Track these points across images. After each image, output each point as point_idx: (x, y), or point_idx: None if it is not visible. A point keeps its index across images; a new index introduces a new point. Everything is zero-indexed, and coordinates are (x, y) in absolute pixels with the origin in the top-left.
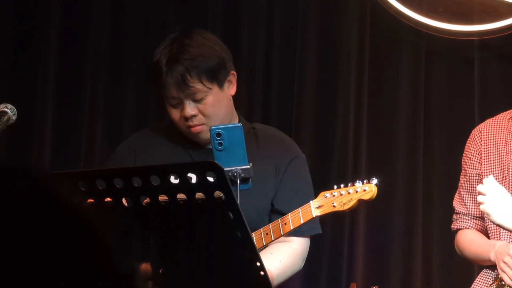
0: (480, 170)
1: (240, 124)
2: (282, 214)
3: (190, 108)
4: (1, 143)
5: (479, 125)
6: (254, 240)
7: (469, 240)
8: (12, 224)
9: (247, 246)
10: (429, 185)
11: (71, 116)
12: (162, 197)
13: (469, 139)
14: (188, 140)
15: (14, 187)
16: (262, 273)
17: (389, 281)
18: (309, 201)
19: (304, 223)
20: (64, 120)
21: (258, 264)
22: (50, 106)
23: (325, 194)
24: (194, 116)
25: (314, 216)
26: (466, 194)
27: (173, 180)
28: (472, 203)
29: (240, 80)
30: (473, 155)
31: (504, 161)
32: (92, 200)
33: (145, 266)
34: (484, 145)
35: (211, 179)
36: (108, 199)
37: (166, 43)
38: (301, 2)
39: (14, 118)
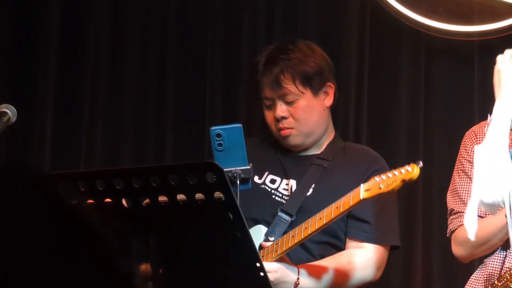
0: None
1: (240, 125)
2: (356, 219)
3: (281, 109)
4: (1, 143)
5: (473, 127)
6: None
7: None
8: (12, 225)
9: (247, 246)
10: (429, 184)
11: (71, 117)
12: (162, 198)
13: (464, 140)
14: (280, 147)
15: (14, 187)
16: (261, 274)
17: (388, 282)
18: (388, 212)
19: (354, 205)
20: (64, 121)
21: (258, 264)
22: (50, 107)
23: (376, 178)
24: (284, 118)
25: (361, 198)
26: (467, 195)
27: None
28: None
29: (240, 81)
30: (472, 157)
31: None
32: (92, 201)
33: (145, 267)
34: None
35: (210, 179)
36: (108, 199)
37: (269, 47)
38: (301, 3)
39: (14, 119)
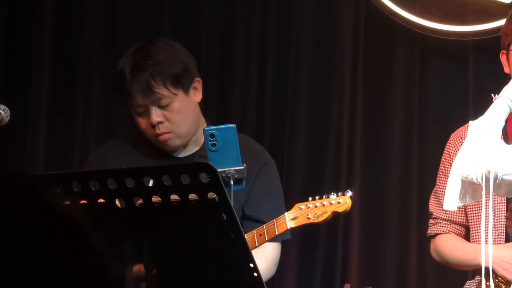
0: None
1: (234, 125)
2: (252, 219)
3: (156, 115)
4: None
5: (458, 130)
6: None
7: (451, 244)
8: (3, 226)
9: (241, 247)
10: (424, 184)
11: (65, 117)
12: (156, 198)
13: (449, 143)
14: (158, 148)
15: (5, 189)
16: (255, 274)
17: (383, 282)
18: (279, 206)
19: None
20: (58, 121)
21: (251, 265)
22: (44, 107)
23: (300, 205)
24: (160, 123)
25: (288, 227)
26: None
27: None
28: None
29: (234, 80)
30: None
31: None
32: (86, 201)
33: (138, 267)
34: None
35: (204, 180)
36: (102, 200)
37: (129, 52)
38: (295, 3)
39: (7, 119)
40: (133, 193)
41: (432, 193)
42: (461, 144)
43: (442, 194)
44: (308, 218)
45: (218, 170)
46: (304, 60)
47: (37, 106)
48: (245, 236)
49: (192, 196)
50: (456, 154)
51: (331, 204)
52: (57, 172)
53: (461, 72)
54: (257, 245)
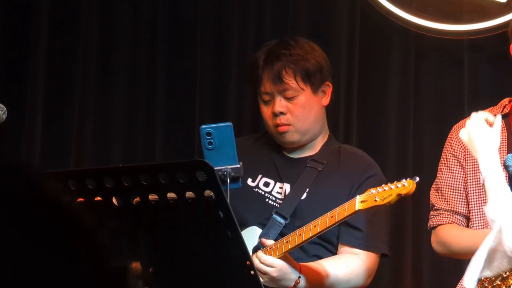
0: (465, 166)
1: (230, 123)
2: (348, 225)
3: (279, 105)
4: None
5: (461, 122)
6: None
7: (455, 233)
8: (1, 222)
9: (238, 245)
10: (419, 184)
11: (61, 116)
12: (152, 196)
13: (451, 135)
14: (274, 147)
15: (3, 186)
16: (252, 272)
17: (379, 281)
18: (378, 219)
19: (348, 216)
20: (55, 120)
21: (248, 263)
22: (40, 106)
23: (371, 190)
24: (282, 113)
25: (356, 209)
26: (449, 190)
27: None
28: (456, 199)
29: (230, 79)
30: (456, 152)
31: None
32: (82, 199)
33: (135, 265)
34: None
35: (201, 178)
36: (98, 198)
37: (270, 43)
38: (291, 2)
39: (4, 117)
40: (130, 191)
41: (433, 185)
42: None
43: (444, 185)
44: (376, 200)
45: (214, 168)
46: None
47: (33, 105)
48: (242, 234)
49: (189, 194)
50: (458, 145)
51: (397, 187)
52: (54, 170)
53: (457, 71)
54: (327, 225)
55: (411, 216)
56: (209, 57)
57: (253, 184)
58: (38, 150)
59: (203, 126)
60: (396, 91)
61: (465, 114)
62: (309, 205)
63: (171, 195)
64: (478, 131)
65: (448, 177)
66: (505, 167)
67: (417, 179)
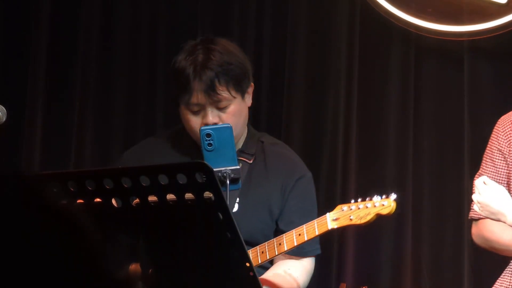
0: (509, 162)
1: (230, 125)
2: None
3: (212, 116)
4: None
5: (509, 113)
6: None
7: (497, 229)
8: (1, 225)
9: (237, 246)
10: (419, 184)
11: (61, 117)
12: (152, 198)
13: (497, 127)
14: (197, 149)
15: (3, 188)
16: (251, 273)
17: (378, 281)
18: (312, 220)
19: (308, 240)
20: (54, 121)
21: (247, 264)
22: (40, 107)
23: (342, 207)
24: (215, 124)
25: (329, 228)
26: None
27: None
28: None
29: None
30: (502, 146)
31: None
32: (82, 201)
33: (135, 266)
34: None
35: (200, 179)
36: (98, 199)
37: (188, 50)
38: (291, 3)
39: (4, 119)
40: (129, 192)
41: (476, 176)
42: (510, 128)
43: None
44: (351, 219)
45: (214, 169)
46: (299, 60)
47: (33, 105)
48: (241, 235)
49: (188, 195)
50: (504, 138)
51: (375, 206)
52: (53, 171)
53: (456, 72)
54: (295, 244)
55: (411, 216)
56: None
57: None
58: (38, 151)
59: (202, 128)
60: (396, 92)
61: (464, 115)
62: (243, 218)
63: (170, 196)
64: (488, 196)
65: (491, 171)
66: None
67: (395, 196)
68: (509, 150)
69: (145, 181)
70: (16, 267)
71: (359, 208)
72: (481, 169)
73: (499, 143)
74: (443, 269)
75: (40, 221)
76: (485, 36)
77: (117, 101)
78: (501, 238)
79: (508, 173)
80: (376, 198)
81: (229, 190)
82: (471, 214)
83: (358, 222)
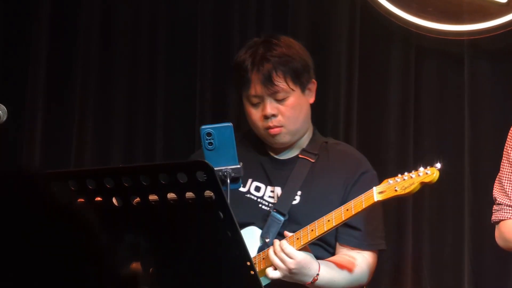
0: None
1: (230, 124)
2: (348, 226)
3: (270, 107)
4: None
5: None
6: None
7: None
8: (3, 224)
9: (238, 245)
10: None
11: (61, 116)
12: (152, 197)
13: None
14: (260, 149)
15: (5, 187)
16: (252, 272)
17: (379, 282)
18: (375, 215)
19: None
20: (54, 120)
21: (248, 263)
22: (40, 106)
23: (389, 180)
24: (274, 116)
25: (375, 200)
26: (509, 185)
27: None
28: None
29: (230, 79)
30: None
31: None
32: (82, 200)
33: (136, 266)
34: None
35: (201, 178)
36: (98, 198)
37: (250, 45)
38: (291, 2)
39: (4, 118)
40: (130, 191)
41: (496, 179)
42: None
43: (506, 180)
44: (396, 190)
45: (215, 168)
46: None
47: (33, 105)
48: (242, 234)
49: (189, 194)
50: None
51: (419, 175)
52: (54, 170)
53: (457, 71)
54: (343, 219)
55: (411, 214)
56: (209, 57)
57: (244, 190)
58: (38, 150)
59: (203, 127)
60: (396, 91)
61: (465, 114)
62: (303, 209)
63: (171, 195)
64: None
65: (509, 172)
66: None
67: (439, 165)
68: None
69: (145, 180)
70: (17, 266)
71: (404, 180)
72: (500, 171)
73: None
74: (443, 268)
75: (40, 220)
76: (485, 36)
77: (117, 100)
78: None
79: None
80: (421, 169)
81: (230, 189)
82: (493, 217)
83: (403, 192)
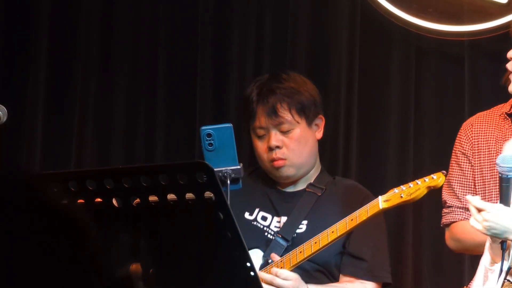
0: (473, 163)
1: (230, 124)
2: (353, 256)
3: (275, 139)
4: None
5: (470, 119)
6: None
7: (470, 229)
8: (2, 225)
9: (237, 246)
10: None
11: (61, 117)
12: (152, 197)
13: (460, 132)
14: (268, 182)
15: (3, 187)
16: (252, 273)
17: None
18: (380, 247)
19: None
20: (55, 121)
21: (248, 264)
22: (41, 107)
23: (394, 189)
24: (278, 147)
25: (381, 208)
26: (459, 187)
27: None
28: (465, 195)
29: (230, 82)
30: (465, 149)
31: (494, 160)
32: (82, 201)
33: (136, 266)
34: (475, 140)
35: (201, 179)
36: (98, 199)
37: (259, 79)
38: (291, 4)
39: (4, 119)
40: (130, 192)
41: (445, 183)
42: (472, 130)
43: (455, 182)
44: (401, 197)
45: (214, 169)
46: (299, 60)
47: (34, 106)
48: (242, 235)
49: (189, 195)
50: (467, 142)
51: (424, 181)
52: (54, 171)
53: (457, 72)
54: (347, 229)
55: (411, 215)
56: (210, 57)
57: (251, 218)
58: (39, 151)
59: (203, 127)
60: (396, 92)
61: (465, 115)
62: (309, 236)
63: (171, 196)
64: (497, 216)
65: (458, 175)
66: (497, 166)
67: (445, 172)
68: (473, 153)
69: (145, 180)
70: (16, 267)
71: (410, 187)
72: (449, 174)
73: (463, 147)
74: (443, 268)
75: (40, 221)
76: (485, 36)
77: (117, 101)
78: (474, 238)
79: (473, 175)
80: (427, 176)
81: (230, 190)
82: (443, 220)
83: (408, 198)
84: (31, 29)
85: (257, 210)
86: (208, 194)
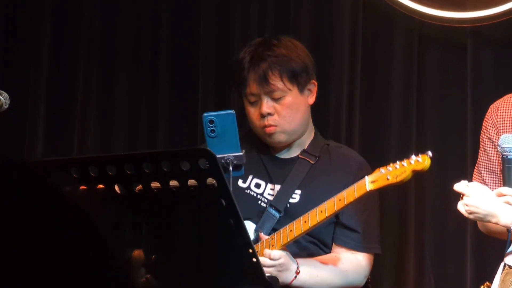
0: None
1: (233, 111)
2: (346, 227)
3: (267, 106)
4: None
5: (496, 102)
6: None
7: None
8: (3, 213)
9: (240, 233)
10: (422, 176)
11: (64, 105)
12: (155, 184)
13: (486, 116)
14: (261, 147)
15: (5, 175)
16: (254, 260)
17: (381, 269)
18: (373, 220)
19: (358, 200)
20: (57, 109)
21: (250, 251)
22: (43, 95)
23: (381, 169)
24: (270, 114)
25: (368, 190)
26: (486, 173)
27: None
28: (492, 181)
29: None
30: (491, 134)
31: None
32: (85, 187)
33: (138, 253)
34: (500, 123)
35: (203, 166)
36: (101, 186)
37: (250, 44)
38: None
39: (7, 105)
40: (132, 179)
41: (475, 169)
42: (497, 114)
43: (482, 168)
44: (388, 179)
45: (217, 156)
46: None
47: (36, 94)
48: (244, 222)
49: (191, 182)
50: (492, 126)
51: (410, 163)
52: (56, 158)
53: (460, 59)
54: (336, 209)
55: (414, 206)
56: (212, 46)
57: (244, 186)
58: (41, 139)
59: (205, 114)
60: (399, 79)
61: (468, 102)
62: (303, 208)
63: (173, 183)
64: (475, 199)
65: (485, 160)
66: (498, 147)
67: (430, 153)
68: (498, 137)
69: (148, 167)
70: (18, 254)
71: (396, 168)
72: (477, 161)
73: (488, 132)
74: (446, 257)
75: (42, 207)
76: (488, 23)
77: (120, 89)
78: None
79: (499, 159)
80: (413, 156)
81: (232, 177)
82: None
83: (395, 180)
84: (33, 16)
85: (250, 177)
86: (210, 180)
